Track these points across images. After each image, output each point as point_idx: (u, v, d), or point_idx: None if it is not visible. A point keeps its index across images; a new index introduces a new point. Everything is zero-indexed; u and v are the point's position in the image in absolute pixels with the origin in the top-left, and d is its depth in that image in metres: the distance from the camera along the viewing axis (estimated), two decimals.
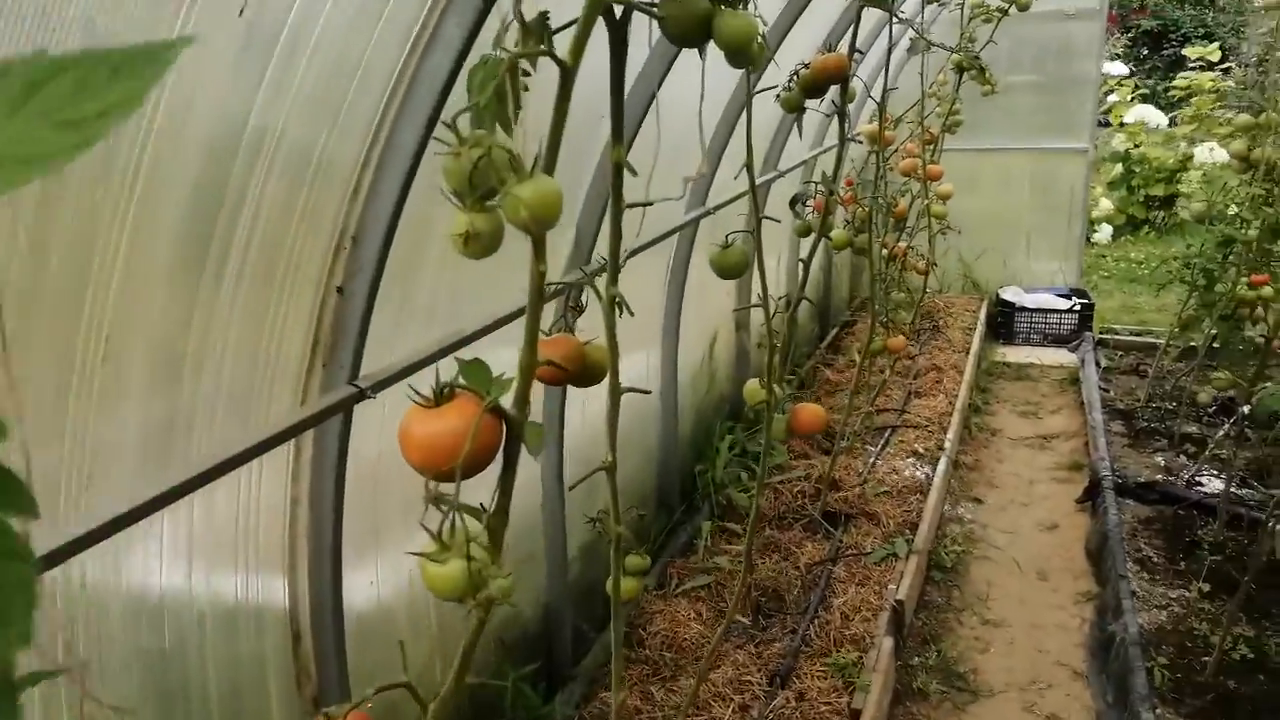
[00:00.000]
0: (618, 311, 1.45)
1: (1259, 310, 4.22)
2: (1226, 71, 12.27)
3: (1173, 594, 3.67)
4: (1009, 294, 7.25)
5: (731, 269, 2.22)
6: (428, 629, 2.53)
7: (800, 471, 4.32)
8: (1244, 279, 4.60)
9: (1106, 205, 10.28)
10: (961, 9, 4.74)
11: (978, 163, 7.29)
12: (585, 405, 3.25)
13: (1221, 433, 4.71)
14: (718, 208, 3.85)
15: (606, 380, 1.46)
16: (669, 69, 2.88)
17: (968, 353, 6.26)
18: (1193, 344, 5.35)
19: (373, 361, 1.93)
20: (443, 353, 2.07)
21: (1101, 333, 6.96)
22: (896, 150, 4.95)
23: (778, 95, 2.74)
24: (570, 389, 2.73)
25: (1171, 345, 5.59)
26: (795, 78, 2.40)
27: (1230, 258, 4.73)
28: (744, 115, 2.16)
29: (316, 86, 1.70)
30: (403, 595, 2.40)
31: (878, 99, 3.80)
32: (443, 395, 1.03)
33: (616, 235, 1.42)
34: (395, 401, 1.62)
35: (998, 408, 6.01)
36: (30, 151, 0.40)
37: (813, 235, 3.18)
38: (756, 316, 4.73)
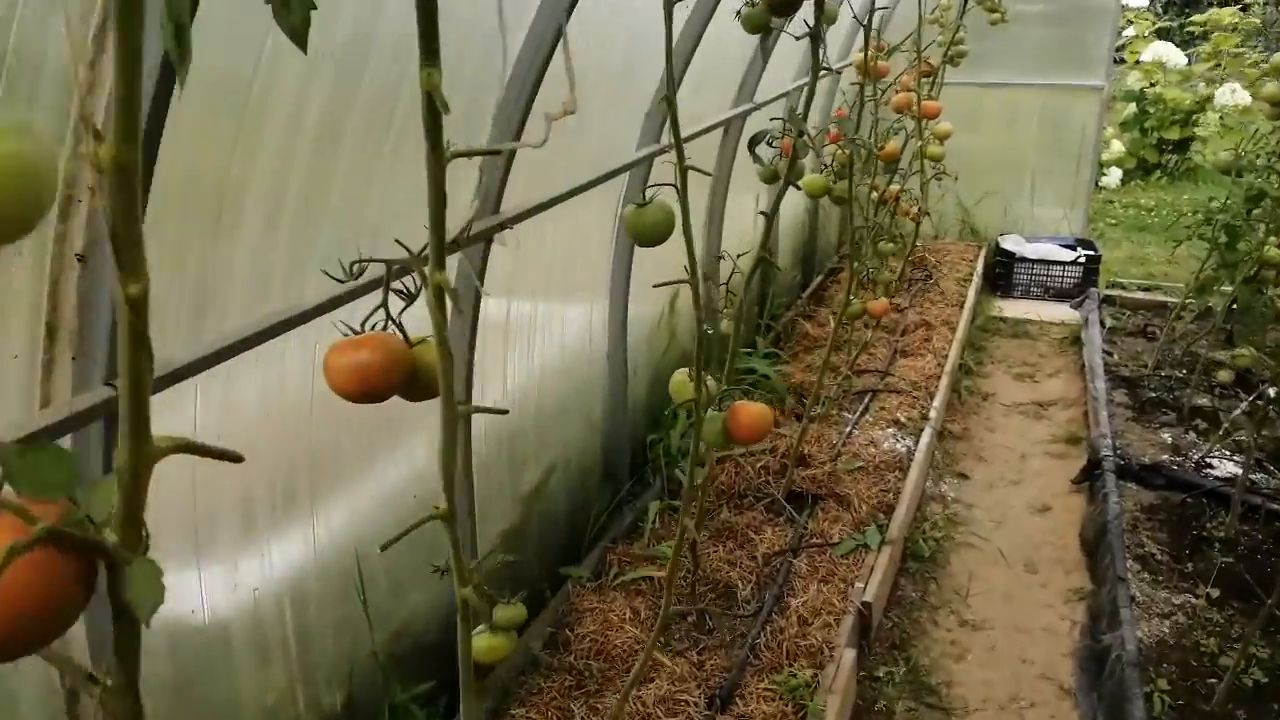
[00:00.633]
0: (451, 303, 1.02)
1: None
2: (1246, 9, 11.60)
3: (1177, 600, 3.23)
4: (1009, 243, 6.73)
5: (649, 231, 1.74)
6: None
7: (765, 444, 3.84)
8: (1272, 239, 4.12)
9: (1117, 148, 9.68)
10: None
11: (981, 98, 6.74)
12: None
13: (1239, 411, 4.24)
14: (688, 139, 3.32)
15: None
16: None
17: (961, 307, 5.76)
18: (1210, 307, 4.86)
19: None
20: None
21: (1107, 288, 6.45)
22: (893, 85, 4.40)
23: (738, 12, 2.29)
24: None
25: (1187, 308, 5.09)
26: None
27: (1257, 214, 4.23)
28: (666, 28, 1.65)
29: None
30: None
31: (864, 21, 3.26)
32: None
33: (439, 200, 0.96)
34: None
35: (991, 369, 5.53)
36: None
37: (780, 182, 2.70)
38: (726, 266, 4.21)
